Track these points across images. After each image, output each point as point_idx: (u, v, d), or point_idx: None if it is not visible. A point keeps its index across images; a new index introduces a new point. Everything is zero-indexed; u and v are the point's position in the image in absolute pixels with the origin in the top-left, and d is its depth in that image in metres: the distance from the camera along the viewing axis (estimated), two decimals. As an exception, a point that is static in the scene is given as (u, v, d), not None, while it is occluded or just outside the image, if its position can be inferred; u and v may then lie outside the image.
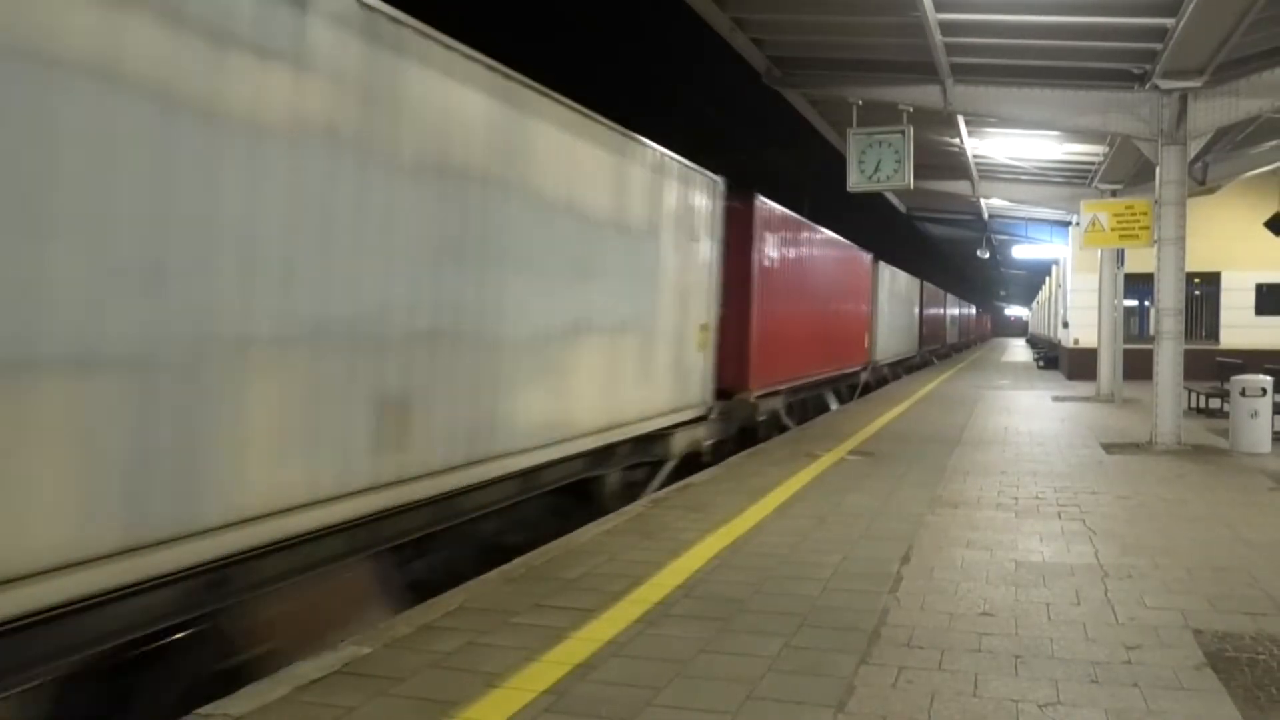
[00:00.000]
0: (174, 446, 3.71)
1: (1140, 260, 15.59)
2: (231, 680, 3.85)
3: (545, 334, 6.53)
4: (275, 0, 4.13)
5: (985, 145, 16.00)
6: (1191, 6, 8.70)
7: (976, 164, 17.55)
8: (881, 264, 23.50)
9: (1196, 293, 21.84)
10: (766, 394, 12.45)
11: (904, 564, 5.63)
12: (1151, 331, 11.49)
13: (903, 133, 11.43)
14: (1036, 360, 33.51)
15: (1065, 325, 25.17)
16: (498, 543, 6.33)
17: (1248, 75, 10.47)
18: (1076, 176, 18.25)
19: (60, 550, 3.26)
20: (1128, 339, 18.60)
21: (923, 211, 28.27)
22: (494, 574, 5.35)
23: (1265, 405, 10.67)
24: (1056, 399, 18.28)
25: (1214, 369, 16.05)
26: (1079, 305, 23.03)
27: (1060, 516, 7.09)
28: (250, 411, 4.04)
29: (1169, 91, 10.80)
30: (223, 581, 3.99)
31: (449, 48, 5.32)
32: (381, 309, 4.84)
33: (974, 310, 79.89)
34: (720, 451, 10.70)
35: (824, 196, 27.25)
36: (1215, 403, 14.65)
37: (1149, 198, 12.36)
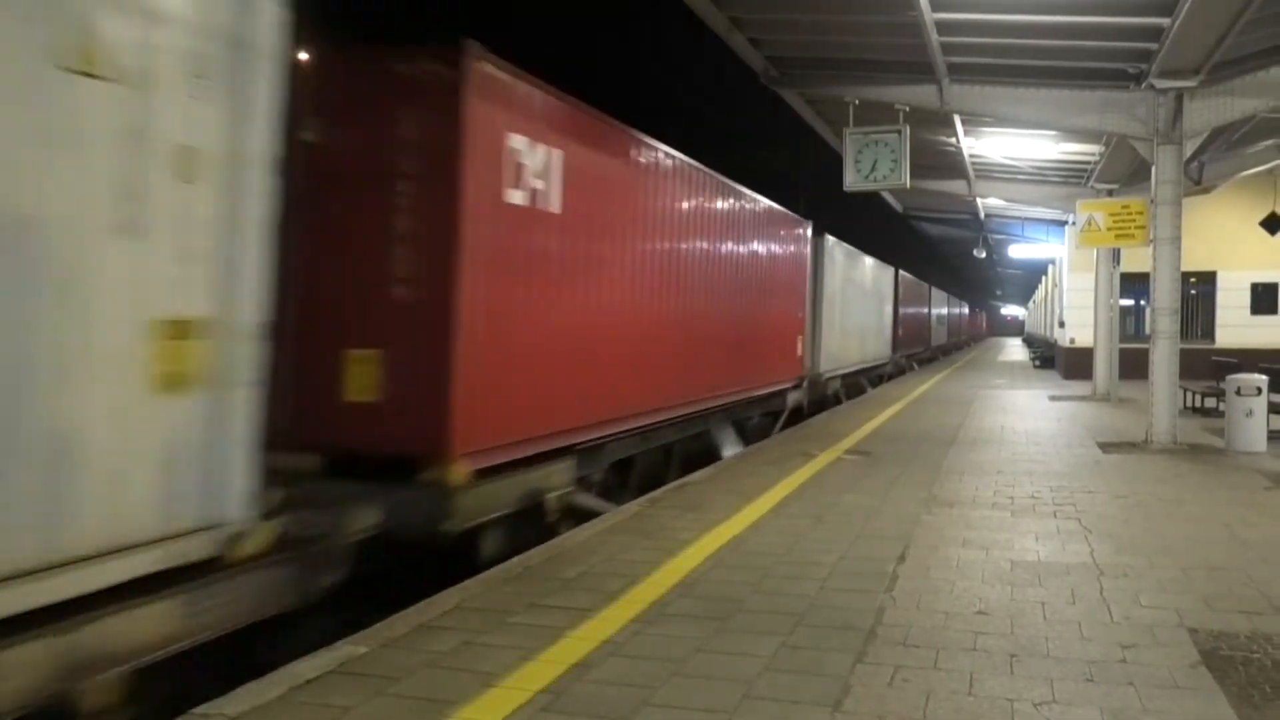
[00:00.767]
0: None
1: (1136, 260, 15.63)
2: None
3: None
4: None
5: (981, 145, 16.02)
6: (1187, 6, 8.71)
7: (973, 163, 17.56)
8: (830, 241, 17.59)
9: (1192, 292, 21.86)
10: (497, 469, 6.19)
11: (900, 563, 5.64)
12: (1147, 331, 11.51)
13: (899, 132, 11.44)
14: (1033, 360, 33.55)
15: (1061, 325, 25.19)
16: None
17: (1243, 75, 10.49)
18: (1073, 176, 18.28)
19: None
20: (1124, 338, 18.65)
21: (919, 211, 28.29)
22: (491, 573, 5.35)
23: (1260, 404, 10.69)
24: (1053, 398, 18.30)
25: (1210, 368, 16.07)
26: (1075, 305, 23.06)
27: (1056, 516, 7.11)
28: None
29: (1165, 91, 10.81)
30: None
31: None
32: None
33: (966, 309, 74.75)
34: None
35: (820, 196, 26.92)
36: (1211, 402, 14.68)
37: (1145, 197, 12.39)
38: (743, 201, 12.22)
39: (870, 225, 33.32)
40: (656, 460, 9.77)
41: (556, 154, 6.88)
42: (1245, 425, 10.70)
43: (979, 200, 21.97)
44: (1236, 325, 22.06)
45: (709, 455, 10.90)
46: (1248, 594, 5.05)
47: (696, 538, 6.22)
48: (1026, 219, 25.68)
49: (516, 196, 6.43)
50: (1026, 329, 69.16)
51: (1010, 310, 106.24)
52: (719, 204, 11.17)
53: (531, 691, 3.64)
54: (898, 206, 26.36)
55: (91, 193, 3.29)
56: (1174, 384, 11.18)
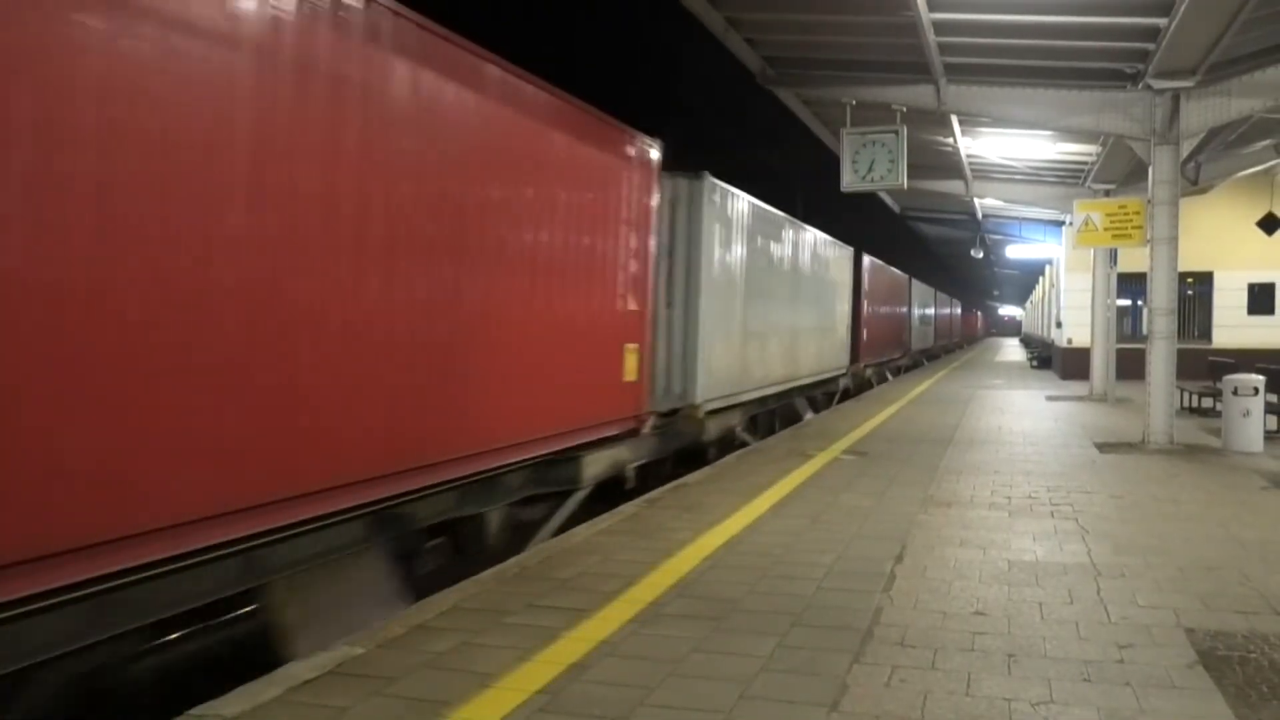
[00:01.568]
0: None
1: (1133, 260, 15.63)
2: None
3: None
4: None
5: (979, 145, 16.03)
6: (1184, 6, 8.73)
7: (970, 164, 17.58)
8: (715, 188, 10.66)
9: (1189, 292, 21.90)
10: None
11: (897, 563, 5.64)
12: (1144, 331, 11.52)
13: (896, 133, 11.45)
14: (1030, 360, 33.58)
15: (1059, 325, 25.22)
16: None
17: (1240, 75, 10.51)
18: (1070, 176, 18.29)
19: None
20: (1121, 339, 18.67)
21: (917, 211, 28.30)
22: (488, 574, 5.34)
23: (1257, 404, 10.71)
24: (1050, 399, 18.32)
25: (1207, 368, 16.10)
26: (1072, 305, 23.08)
27: (1053, 516, 7.11)
28: None
29: (1161, 91, 10.83)
30: None
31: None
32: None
33: (959, 309, 67.55)
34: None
35: (817, 197, 26.78)
36: (1208, 402, 14.70)
37: (1142, 197, 12.40)
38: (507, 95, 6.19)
39: (870, 225, 33.35)
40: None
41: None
42: (1242, 425, 10.71)
43: (976, 200, 21.98)
44: (1233, 325, 22.10)
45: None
46: (1244, 594, 5.05)
47: (694, 538, 6.22)
48: (1024, 219, 25.71)
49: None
50: (1024, 329, 69.12)
51: (1007, 310, 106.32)
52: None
53: (529, 692, 3.64)
54: (895, 207, 26.36)
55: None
56: (1171, 384, 11.20)
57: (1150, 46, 10.09)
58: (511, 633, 4.33)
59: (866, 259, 22.57)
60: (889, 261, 27.86)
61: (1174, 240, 11.09)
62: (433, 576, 5.72)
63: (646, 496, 7.80)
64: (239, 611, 4.70)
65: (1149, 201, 11.38)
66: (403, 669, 3.87)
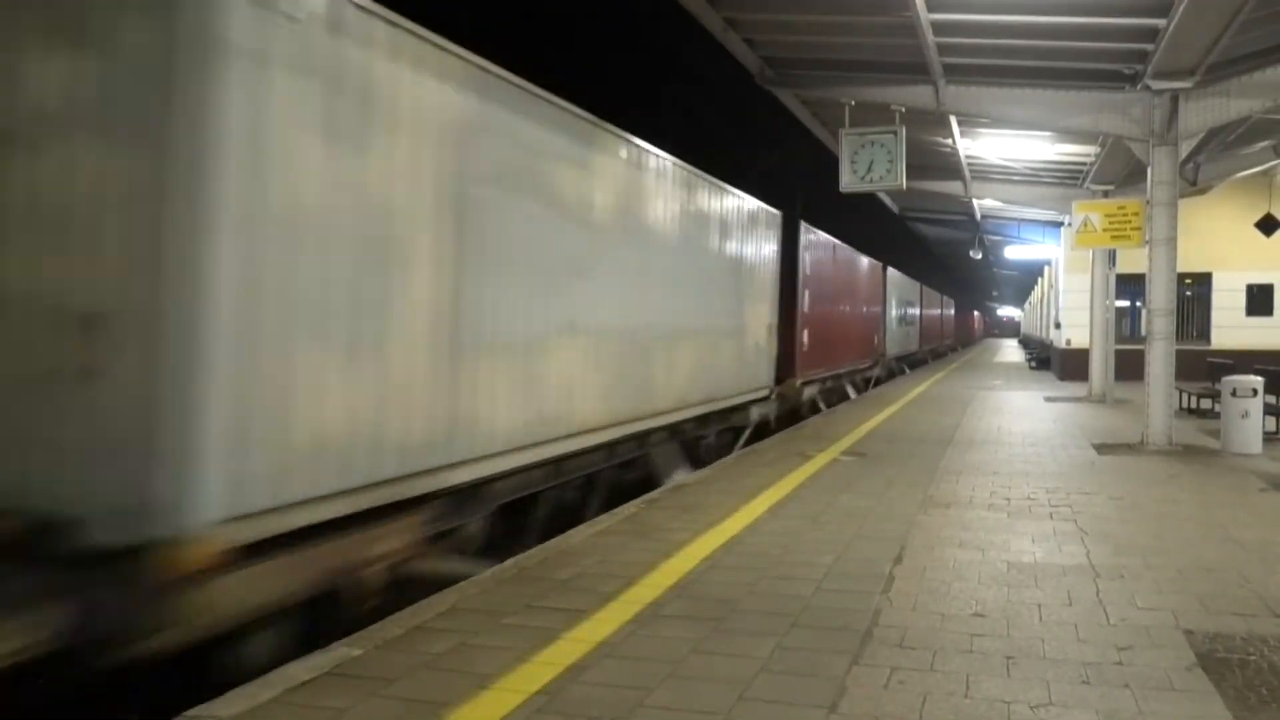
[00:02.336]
0: None
1: (1132, 261, 15.63)
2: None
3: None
4: None
5: (977, 146, 16.03)
6: (1182, 7, 8.72)
7: (969, 164, 17.58)
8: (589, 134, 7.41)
9: (1188, 293, 21.90)
10: None
11: (896, 564, 5.63)
12: (1143, 332, 11.52)
13: (895, 133, 11.45)
14: (1029, 361, 33.60)
15: (1058, 326, 25.23)
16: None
17: (1239, 76, 10.51)
18: (1068, 177, 18.30)
19: None
20: (1119, 339, 18.67)
21: (915, 212, 28.31)
22: (486, 575, 5.33)
23: (1256, 406, 10.71)
24: (1049, 400, 18.32)
25: (1205, 369, 16.10)
26: (1071, 306, 23.08)
27: (1052, 517, 7.10)
28: None
29: (1160, 92, 10.83)
30: None
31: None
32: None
33: (951, 309, 59.45)
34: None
35: (816, 197, 26.65)
36: (1206, 403, 14.70)
37: (1141, 198, 12.40)
38: None
39: (869, 226, 33.34)
40: None
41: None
42: (1240, 427, 10.71)
43: (975, 201, 21.99)
44: (1232, 326, 22.11)
45: None
46: (1244, 596, 5.05)
47: (693, 539, 6.21)
48: (1022, 220, 25.71)
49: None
50: (1022, 330, 69.07)
51: (1006, 311, 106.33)
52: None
53: (527, 693, 3.63)
54: (894, 207, 26.36)
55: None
56: (1170, 385, 11.19)
57: (1149, 47, 10.09)
58: (510, 634, 4.32)
59: (810, 234, 15.31)
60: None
61: (1173, 241, 11.09)
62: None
63: (645, 497, 7.80)
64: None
65: (1148, 202, 11.37)
66: (401, 670, 3.86)
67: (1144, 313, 11.63)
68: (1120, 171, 16.13)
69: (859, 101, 11.79)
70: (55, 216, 4.13)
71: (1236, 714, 3.50)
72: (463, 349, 5.78)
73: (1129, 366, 15.65)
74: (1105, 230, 13.08)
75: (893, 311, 27.79)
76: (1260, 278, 22.17)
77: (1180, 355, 11.51)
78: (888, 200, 24.55)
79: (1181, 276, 12.83)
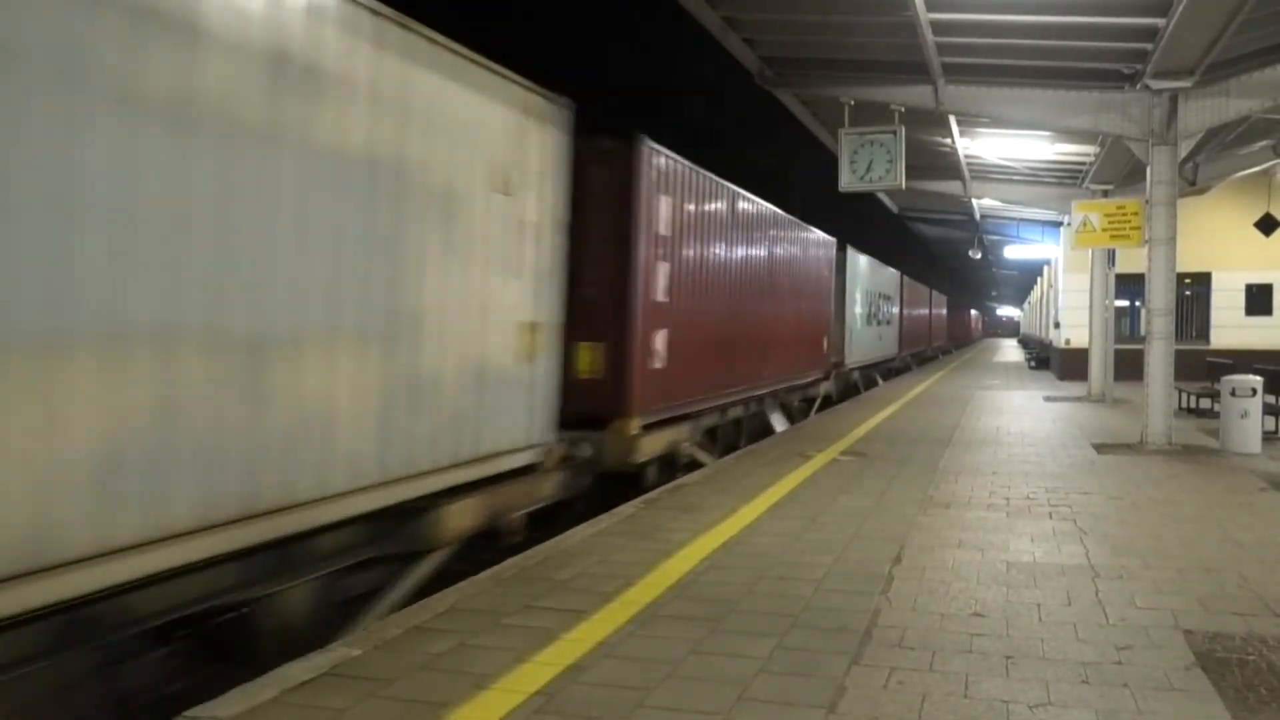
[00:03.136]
0: None
1: (1131, 261, 15.63)
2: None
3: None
4: None
5: (977, 145, 16.03)
6: (1182, 6, 8.72)
7: (968, 164, 17.58)
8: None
9: (1187, 293, 21.91)
10: None
11: (895, 565, 5.63)
12: (1142, 332, 11.52)
13: (894, 133, 11.45)
14: (1028, 361, 33.60)
15: (1057, 326, 25.23)
16: None
17: (1238, 75, 10.51)
18: (1068, 177, 18.31)
19: None
20: (1119, 339, 18.66)
21: (915, 212, 28.32)
22: (485, 575, 5.33)
23: (1255, 405, 10.71)
24: (1048, 399, 18.32)
25: (1205, 369, 16.11)
26: (1070, 306, 23.09)
27: (1051, 517, 7.10)
28: None
29: (1159, 92, 10.83)
30: None
31: None
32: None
33: (943, 309, 51.38)
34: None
35: (815, 196, 26.48)
36: (1206, 403, 14.71)
37: (1140, 198, 12.40)
38: None
39: (868, 226, 33.38)
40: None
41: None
42: (1240, 426, 10.71)
43: (974, 201, 22.00)
44: (1231, 326, 22.12)
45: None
46: (1243, 596, 5.05)
47: (692, 539, 6.21)
48: (1022, 220, 25.73)
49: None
50: (1022, 330, 69.05)
51: (1005, 311, 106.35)
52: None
53: (526, 694, 3.62)
54: (893, 207, 26.36)
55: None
56: (1169, 385, 11.19)
57: (1148, 47, 10.09)
58: (509, 634, 4.31)
59: (665, 160, 9.37)
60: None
61: (1172, 241, 11.09)
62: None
63: (644, 497, 7.80)
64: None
65: (1147, 202, 11.37)
66: (399, 670, 3.86)
67: (1143, 312, 11.63)
68: (1120, 171, 16.14)
69: (858, 101, 11.79)
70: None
71: (1235, 714, 3.50)
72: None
73: (1128, 366, 15.67)
74: (1105, 230, 13.08)
75: (857, 307, 21.39)
76: (1259, 277, 22.18)
77: (1179, 355, 11.51)
78: (887, 200, 24.56)
79: (1181, 276, 12.83)
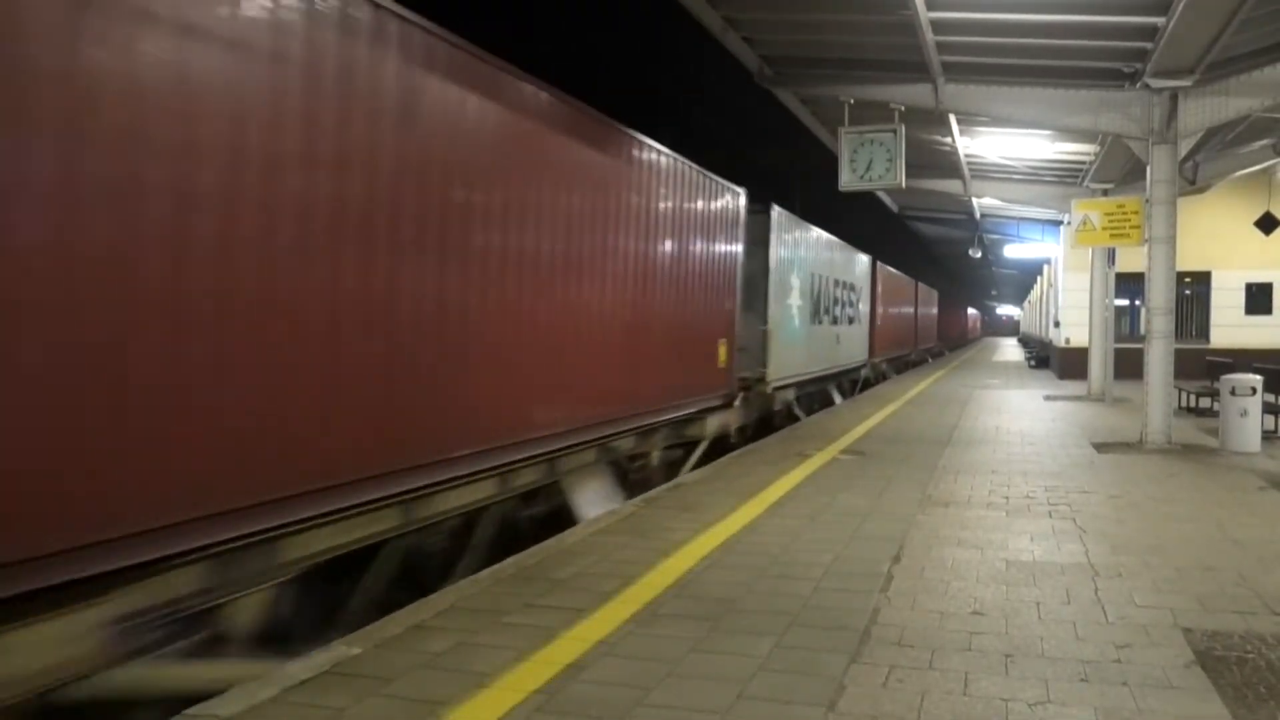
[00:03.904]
0: None
1: (1131, 260, 15.65)
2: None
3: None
4: None
5: (977, 144, 16.03)
6: (1182, 5, 8.72)
7: (968, 163, 17.57)
8: None
9: (1187, 292, 21.91)
10: None
11: (895, 563, 5.63)
12: (1142, 331, 11.52)
13: (894, 132, 11.45)
14: (1028, 360, 33.59)
15: (1057, 325, 25.23)
16: None
17: (1238, 74, 10.51)
18: (1068, 176, 18.29)
19: None
20: (1119, 338, 18.67)
21: (915, 211, 28.30)
22: (485, 574, 5.34)
23: (1255, 404, 10.71)
24: (1048, 398, 18.33)
25: (1204, 368, 16.11)
26: (1070, 305, 23.09)
27: (1051, 516, 7.11)
28: None
29: (1159, 90, 10.83)
30: None
31: None
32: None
33: (934, 308, 45.91)
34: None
35: (815, 196, 26.44)
36: (1205, 402, 14.71)
37: (1140, 197, 12.40)
38: None
39: (867, 226, 33.35)
40: None
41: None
42: (1239, 425, 10.71)
43: (974, 200, 21.99)
44: (1231, 325, 22.12)
45: None
46: (1242, 594, 5.05)
47: (691, 538, 6.21)
48: (1022, 219, 25.72)
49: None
50: (1022, 329, 69.02)
51: (1005, 310, 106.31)
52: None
53: (526, 692, 3.63)
54: (893, 206, 26.35)
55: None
56: (1169, 384, 11.20)
57: (1148, 45, 10.09)
58: (509, 633, 4.32)
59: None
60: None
61: (1172, 240, 11.09)
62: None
63: (644, 496, 7.80)
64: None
65: (1147, 201, 11.37)
66: (399, 669, 3.86)
67: (1143, 311, 11.63)
68: (1120, 170, 16.13)
69: (858, 100, 11.79)
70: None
71: (1234, 712, 3.51)
72: None
73: (1128, 365, 15.69)
74: (1104, 229, 13.08)
75: (791, 298, 15.33)
76: (1259, 276, 22.18)
77: (1179, 354, 11.51)
78: (887, 199, 24.55)
79: (1181, 275, 12.84)
